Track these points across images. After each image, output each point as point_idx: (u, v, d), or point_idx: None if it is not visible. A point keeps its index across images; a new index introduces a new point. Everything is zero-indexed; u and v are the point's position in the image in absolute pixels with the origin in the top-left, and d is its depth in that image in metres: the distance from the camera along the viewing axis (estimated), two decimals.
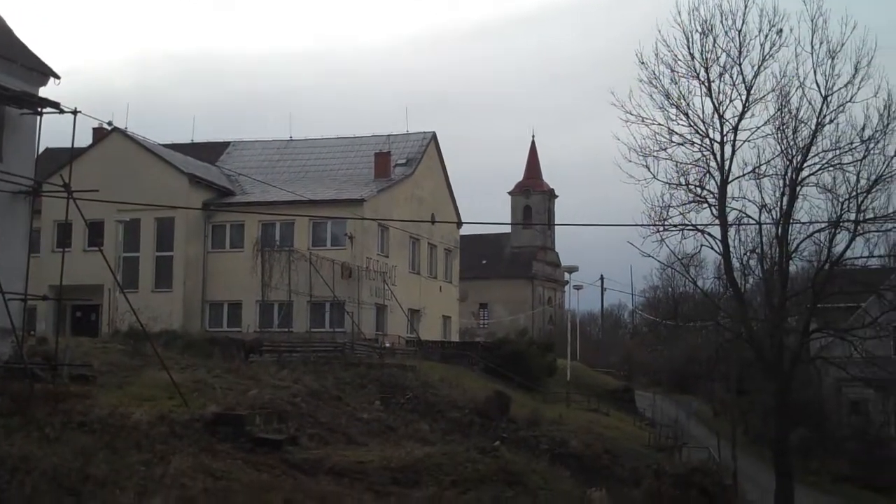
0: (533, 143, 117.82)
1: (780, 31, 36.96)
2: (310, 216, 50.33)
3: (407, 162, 58.09)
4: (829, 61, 36.28)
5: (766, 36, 36.91)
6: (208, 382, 27.25)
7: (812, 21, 36.35)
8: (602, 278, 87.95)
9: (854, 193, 36.64)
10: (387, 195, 54.52)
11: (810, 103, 36.79)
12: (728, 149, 37.66)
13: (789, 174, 37.48)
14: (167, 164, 52.52)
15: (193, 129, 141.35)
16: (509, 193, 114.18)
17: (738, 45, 37.17)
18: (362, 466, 20.36)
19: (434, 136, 60.65)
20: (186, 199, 50.72)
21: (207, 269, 52.71)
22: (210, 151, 60.54)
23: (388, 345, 48.45)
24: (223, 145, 63.15)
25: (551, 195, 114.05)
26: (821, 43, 36.29)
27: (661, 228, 37.85)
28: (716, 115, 37.55)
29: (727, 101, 37.48)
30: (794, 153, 37.34)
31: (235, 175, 57.36)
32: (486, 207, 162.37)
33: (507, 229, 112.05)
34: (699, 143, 37.79)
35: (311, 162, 60.17)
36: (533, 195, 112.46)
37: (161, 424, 21.07)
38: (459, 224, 63.21)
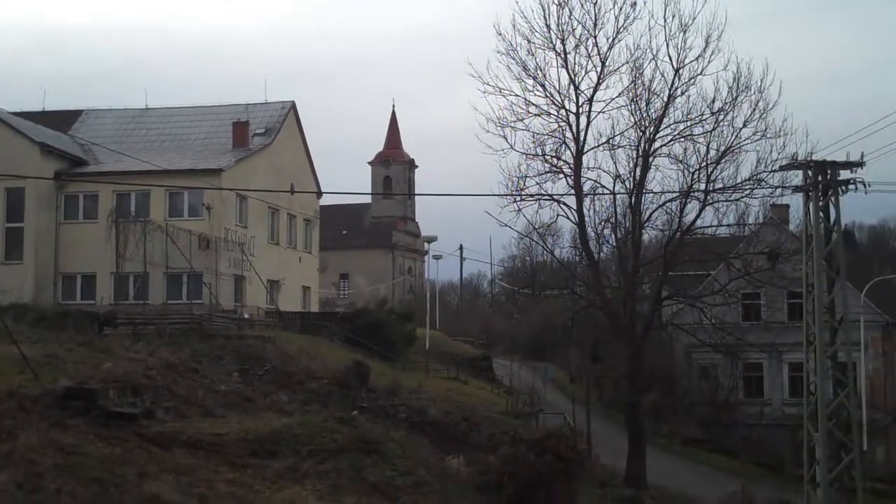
0: (393, 113, 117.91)
1: (634, 4, 37.77)
2: (166, 186, 49.37)
3: (266, 132, 57.39)
4: (681, 35, 37.26)
5: (621, 9, 37.69)
6: (60, 356, 26.62)
7: None
8: (461, 248, 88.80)
9: (704, 164, 37.73)
10: (245, 165, 53.82)
11: (663, 76, 37.74)
12: (583, 120, 38.39)
13: (642, 145, 38.37)
14: (16, 132, 50.76)
15: (45, 99, 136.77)
16: (369, 164, 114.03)
17: (593, 18, 37.86)
18: (219, 439, 20.20)
19: (293, 106, 60.04)
20: (38, 169, 49.17)
21: (60, 240, 51.28)
22: (62, 120, 58.68)
23: (246, 316, 47.96)
24: (75, 114, 61.28)
25: (411, 165, 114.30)
26: (673, 16, 37.25)
27: (519, 198, 38.43)
28: (572, 87, 38.20)
29: (583, 72, 38.16)
30: (646, 124, 38.27)
31: (89, 144, 55.82)
32: (346, 178, 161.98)
33: (368, 199, 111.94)
34: (555, 114, 38.41)
35: (167, 131, 58.93)
36: (393, 165, 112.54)
37: (9, 400, 20.52)
38: (319, 194, 62.79)
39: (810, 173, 28.71)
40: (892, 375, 60.03)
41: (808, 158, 29.33)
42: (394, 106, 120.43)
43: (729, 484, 33.03)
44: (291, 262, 58.90)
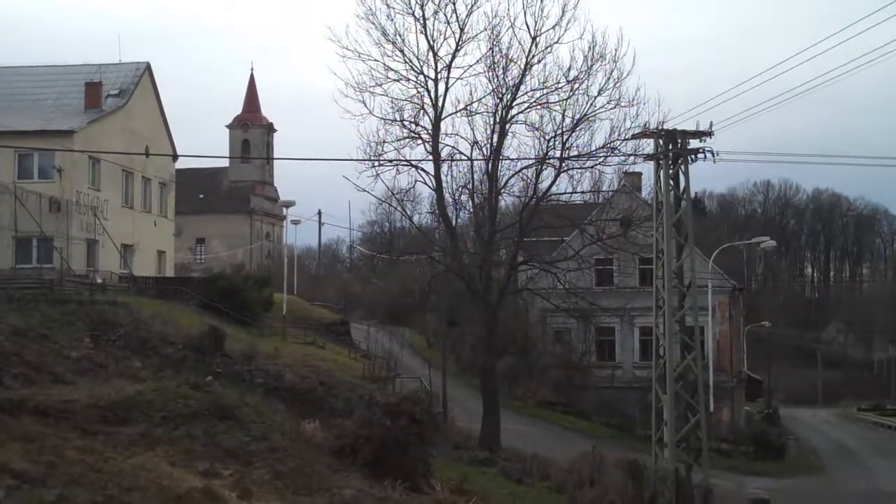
0: (251, 76, 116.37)
1: None
2: (15, 147, 47.80)
3: (119, 93, 55.99)
4: (539, 3, 37.54)
5: None
6: None
7: None
8: (320, 213, 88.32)
9: (559, 132, 38.19)
10: (98, 126, 52.46)
11: (520, 43, 37.99)
12: (442, 86, 38.43)
13: (499, 112, 38.63)
14: None
15: None
16: (227, 127, 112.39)
17: None
18: (69, 405, 19.74)
19: (148, 67, 58.71)
20: None
21: None
22: None
23: (99, 281, 46.90)
24: None
25: (270, 129, 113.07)
26: None
27: (377, 164, 38.35)
28: (430, 53, 38.17)
29: (441, 38, 38.13)
30: (504, 92, 38.49)
31: None
32: (204, 141, 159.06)
33: (226, 164, 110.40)
34: (414, 79, 38.36)
35: (17, 91, 56.88)
36: (251, 129, 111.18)
37: None
38: (175, 157, 61.63)
39: (661, 142, 29.46)
40: (738, 339, 62.24)
41: (660, 128, 30.08)
42: (252, 69, 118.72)
43: (581, 444, 33.80)
44: (146, 226, 57.80)
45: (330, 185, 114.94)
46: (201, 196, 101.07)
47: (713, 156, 28.89)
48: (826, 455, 57.26)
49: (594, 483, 25.86)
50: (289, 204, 68.59)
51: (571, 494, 25.78)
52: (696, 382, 29.33)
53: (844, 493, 40.49)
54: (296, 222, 76.27)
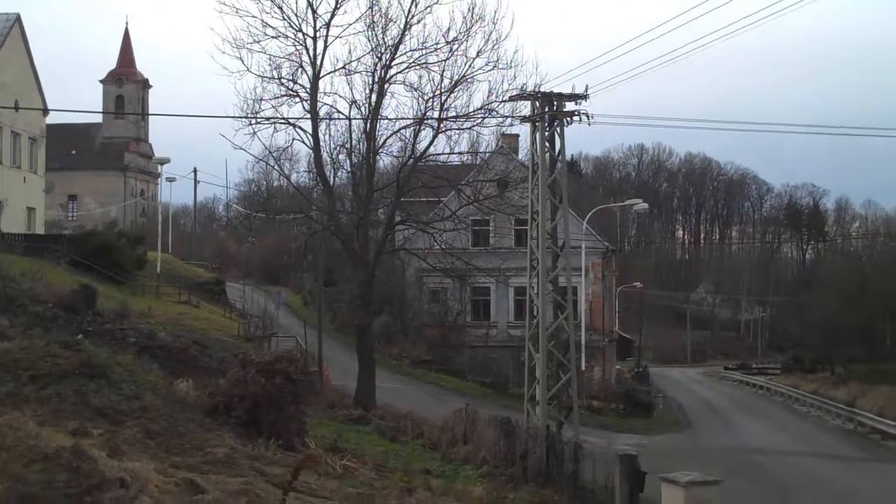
0: (126, 30, 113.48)
1: None
2: None
3: None
4: None
5: None
6: None
7: None
8: (195, 171, 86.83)
9: (438, 92, 38.29)
10: None
11: (399, 3, 37.90)
12: (320, 44, 38.17)
13: (378, 72, 38.55)
14: None
15: None
16: (101, 82, 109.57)
17: None
18: None
19: (18, 19, 57.03)
20: None
21: None
22: None
23: None
24: None
25: (145, 85, 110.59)
26: None
27: (254, 121, 37.96)
28: (309, 10, 37.86)
29: None
30: (383, 51, 38.39)
31: None
32: (77, 96, 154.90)
33: (99, 119, 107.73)
34: (293, 37, 38.01)
35: None
36: (126, 84, 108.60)
37: None
38: (46, 112, 60.05)
39: (537, 104, 29.77)
40: (610, 299, 63.48)
41: (536, 90, 30.36)
42: (127, 23, 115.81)
43: (455, 403, 34.10)
44: (15, 181, 56.32)
45: (207, 144, 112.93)
46: (73, 152, 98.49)
47: (588, 118, 29.30)
48: (693, 412, 58.94)
49: (467, 440, 26.20)
50: (163, 161, 67.51)
51: (445, 452, 26.08)
52: (568, 341, 29.88)
53: (710, 448, 41.76)
54: (171, 180, 75.23)
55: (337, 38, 38.46)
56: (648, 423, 51.76)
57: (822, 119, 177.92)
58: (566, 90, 29.61)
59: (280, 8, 37.66)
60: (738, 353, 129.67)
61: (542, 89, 30.33)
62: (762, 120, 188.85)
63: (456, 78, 38.02)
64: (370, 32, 38.30)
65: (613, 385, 59.85)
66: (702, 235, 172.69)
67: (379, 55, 38.35)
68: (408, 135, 39.82)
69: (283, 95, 38.33)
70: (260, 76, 37.85)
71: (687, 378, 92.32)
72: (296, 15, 37.71)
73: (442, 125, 38.92)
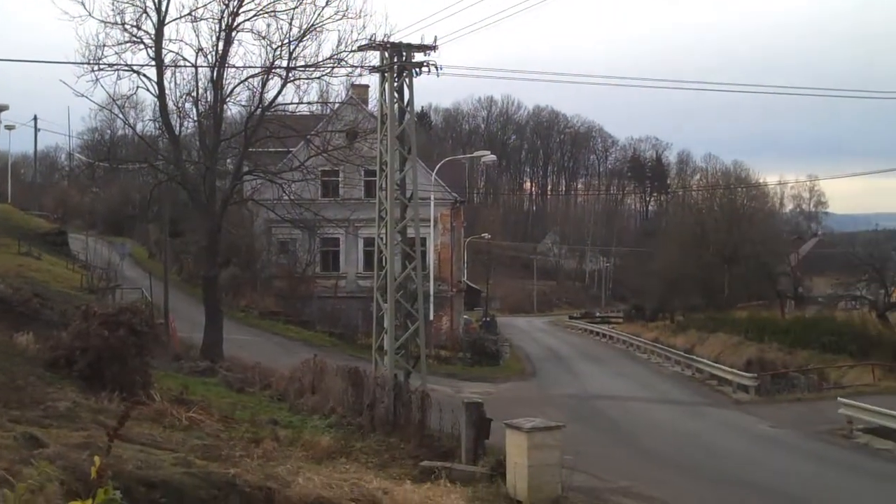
0: None
1: None
2: None
3: None
4: None
5: None
6: None
7: None
8: (35, 119, 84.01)
9: (286, 41, 37.86)
10: None
11: None
12: None
13: (225, 19, 37.86)
14: None
15: None
16: None
17: None
18: None
19: None
20: None
21: None
22: None
23: None
24: None
25: None
26: None
27: (96, 68, 36.90)
28: None
29: None
30: None
31: None
32: None
33: None
34: None
35: None
36: None
37: None
38: None
39: (387, 55, 29.75)
40: (458, 250, 64.11)
41: (385, 40, 30.30)
42: None
43: (304, 353, 34.10)
44: None
45: (48, 91, 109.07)
46: None
47: (437, 70, 29.42)
48: (539, 360, 60.11)
49: (315, 391, 26.28)
50: (1, 108, 65.10)
51: (292, 402, 26.12)
52: (416, 292, 30.15)
53: (554, 395, 42.75)
54: (10, 127, 72.80)
55: None
56: (495, 371, 52.65)
57: (664, 73, 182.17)
58: (415, 41, 29.67)
59: None
60: (582, 302, 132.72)
61: (391, 40, 30.30)
62: (611, 73, 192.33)
63: (305, 26, 37.67)
64: None
65: (461, 335, 60.61)
66: (548, 187, 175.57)
67: (226, 2, 37.70)
68: (256, 84, 39.34)
69: (127, 42, 37.34)
70: (102, 21, 36.79)
71: (533, 327, 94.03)
72: None
73: (290, 74, 38.56)
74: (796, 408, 39.16)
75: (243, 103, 41.08)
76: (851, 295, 76.64)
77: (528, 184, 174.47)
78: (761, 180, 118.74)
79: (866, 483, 25.28)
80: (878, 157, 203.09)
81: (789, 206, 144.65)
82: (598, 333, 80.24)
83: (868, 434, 32.20)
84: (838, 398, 35.18)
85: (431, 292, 49.87)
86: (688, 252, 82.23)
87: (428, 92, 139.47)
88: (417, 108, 32.49)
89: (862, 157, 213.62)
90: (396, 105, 29.87)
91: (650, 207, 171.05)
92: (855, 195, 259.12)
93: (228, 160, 43.73)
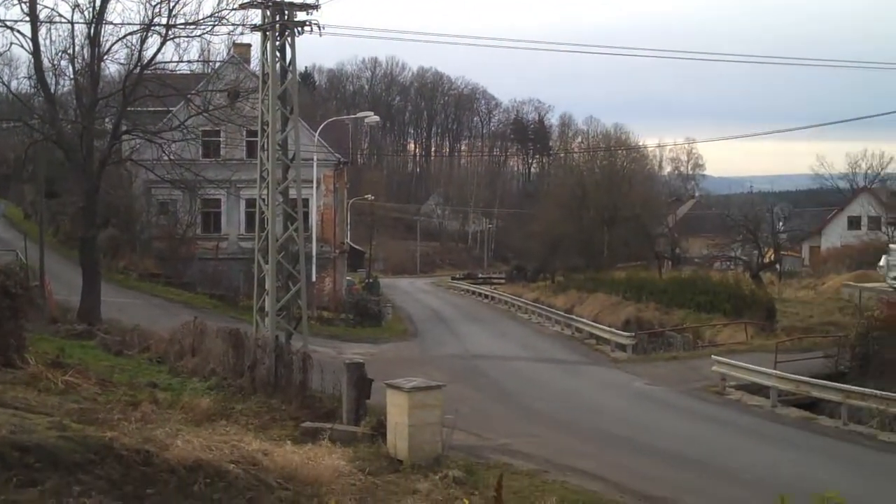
0: None
1: None
2: None
3: None
4: None
5: None
6: None
7: None
8: None
9: None
10: None
11: None
12: None
13: None
14: None
15: None
16: None
17: None
18: None
19: None
20: None
21: None
22: None
23: None
24: None
25: None
26: None
27: None
28: None
29: None
30: None
31: None
32: None
33: None
34: None
35: None
36: None
37: None
38: None
39: (268, 13, 29.40)
40: (342, 211, 63.92)
41: None
42: None
43: (184, 316, 33.76)
44: None
45: None
46: None
47: (319, 29, 29.21)
48: (421, 321, 60.42)
49: (195, 353, 26.13)
50: None
51: (172, 365, 25.95)
52: (298, 253, 30.05)
53: (436, 355, 43.13)
54: None
55: None
56: (378, 332, 52.78)
57: (545, 36, 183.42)
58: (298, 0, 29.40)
59: None
60: (465, 263, 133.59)
61: None
62: (494, 35, 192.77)
63: None
64: None
65: (344, 296, 60.57)
66: (432, 149, 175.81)
67: None
68: (134, 41, 38.63)
69: None
70: None
71: (416, 288, 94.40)
72: None
73: (170, 32, 37.97)
74: (672, 365, 40.17)
75: (122, 61, 40.35)
76: (726, 256, 78.73)
77: (413, 145, 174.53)
78: (641, 143, 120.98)
79: (738, 438, 26.13)
80: (755, 121, 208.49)
81: (668, 169, 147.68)
82: (480, 294, 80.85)
83: (740, 391, 33.28)
84: (712, 356, 36.23)
85: (314, 254, 49.71)
86: (568, 213, 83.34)
87: (311, 52, 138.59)
88: (301, 68, 32.43)
89: (740, 122, 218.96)
90: (278, 64, 29.59)
91: (532, 169, 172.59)
92: (731, 158, 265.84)
93: (106, 119, 42.81)
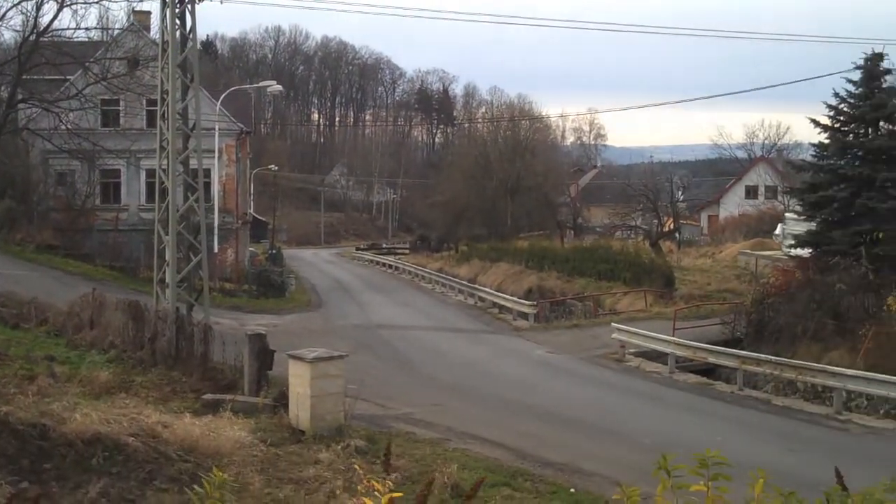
0: None
1: None
2: None
3: None
4: None
5: None
6: None
7: None
8: None
9: None
10: None
11: None
12: None
13: None
14: None
15: None
16: None
17: None
18: None
19: None
20: None
21: None
22: None
23: None
24: None
25: None
26: None
27: None
28: None
29: None
30: None
31: None
32: None
33: None
34: None
35: None
36: None
37: None
38: None
39: None
40: (244, 182, 63.40)
41: None
42: None
43: (83, 288, 33.22)
44: None
45: None
46: None
47: None
48: (325, 292, 60.31)
49: (94, 325, 25.78)
50: None
51: (70, 338, 25.58)
52: (199, 224, 29.78)
53: (339, 325, 43.15)
54: None
55: None
56: (281, 303, 52.58)
57: (448, 5, 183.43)
58: None
59: None
60: (370, 233, 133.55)
61: None
62: (399, 5, 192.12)
63: None
64: None
65: (247, 267, 60.17)
66: (337, 119, 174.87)
67: None
68: (30, 8, 37.92)
69: None
70: None
71: (320, 259, 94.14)
72: None
73: None
74: (573, 333, 40.76)
75: (17, 28, 39.56)
76: (627, 225, 79.86)
77: (317, 115, 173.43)
78: (544, 113, 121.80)
79: (637, 404, 26.69)
80: (658, 92, 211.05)
81: (571, 139, 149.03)
82: (384, 264, 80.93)
83: (639, 357, 33.94)
84: (612, 324, 36.86)
85: (216, 224, 49.28)
86: (472, 184, 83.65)
87: (213, 20, 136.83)
88: (202, 36, 31.91)
89: (643, 93, 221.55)
90: (178, 32, 29.18)
91: (437, 140, 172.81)
92: (634, 129, 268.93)
93: (1, 87, 41.88)
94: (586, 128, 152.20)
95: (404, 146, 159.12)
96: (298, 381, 18.08)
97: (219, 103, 54.50)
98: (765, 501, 4.04)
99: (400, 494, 3.56)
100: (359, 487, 10.46)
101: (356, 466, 13.25)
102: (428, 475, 15.69)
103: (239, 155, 60.29)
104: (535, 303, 48.08)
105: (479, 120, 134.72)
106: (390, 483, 3.59)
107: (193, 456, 12.86)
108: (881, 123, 39.86)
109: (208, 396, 19.45)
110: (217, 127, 52.30)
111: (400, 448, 18.05)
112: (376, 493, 3.44)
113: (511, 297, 49.97)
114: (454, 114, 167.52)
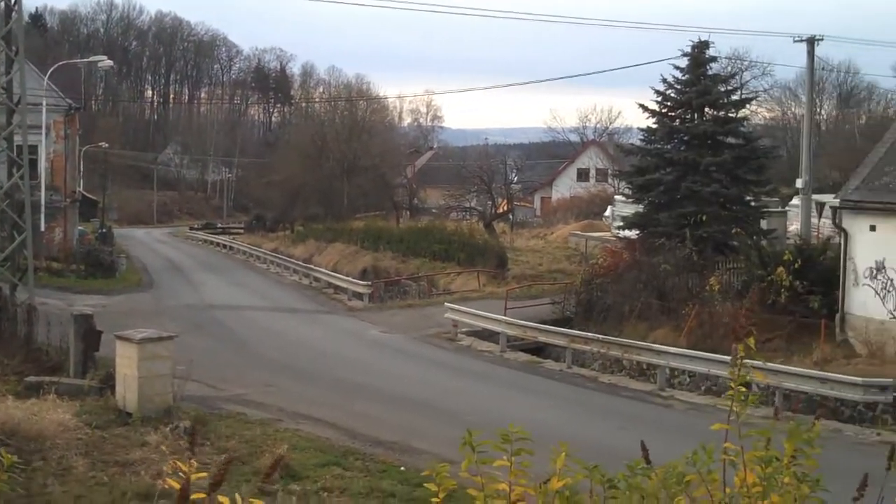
0: None
1: None
2: None
3: None
4: None
5: None
6: None
7: None
8: None
9: None
10: None
11: None
12: None
13: None
14: None
15: None
16: None
17: None
18: None
19: None
20: None
21: None
22: None
23: None
24: None
25: None
26: None
27: None
28: None
29: None
30: None
31: None
32: None
33: None
34: None
35: None
36: None
37: None
38: None
39: None
40: (73, 159, 61.67)
41: None
42: None
43: None
44: None
45: None
46: None
47: None
48: (157, 272, 59.25)
49: None
50: None
51: None
52: (24, 202, 28.94)
53: (171, 306, 42.48)
54: None
55: None
56: (111, 283, 51.37)
57: None
58: None
59: None
60: (204, 213, 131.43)
61: None
62: None
63: None
64: None
65: (75, 246, 58.56)
66: (171, 96, 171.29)
67: None
68: None
69: None
70: None
71: (152, 238, 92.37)
72: None
73: None
74: (407, 313, 41.11)
75: None
76: (462, 206, 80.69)
77: (150, 92, 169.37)
78: (382, 94, 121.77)
79: (468, 382, 27.14)
80: (494, 74, 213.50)
81: (408, 121, 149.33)
82: (218, 244, 79.92)
83: (471, 337, 34.48)
84: (445, 304, 37.32)
85: (43, 202, 47.74)
86: (309, 163, 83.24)
87: None
88: (31, 8, 30.83)
89: (482, 76, 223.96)
90: (3, 3, 28.24)
91: (273, 118, 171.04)
92: (471, 111, 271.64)
93: None
94: (423, 109, 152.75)
95: (240, 125, 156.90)
96: (126, 362, 17.84)
97: (46, 78, 52.82)
98: (566, 474, 4.26)
99: (204, 475, 3.64)
100: (164, 468, 10.46)
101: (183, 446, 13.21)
102: (256, 456, 15.75)
103: (68, 131, 58.57)
104: (370, 283, 48.30)
105: (317, 100, 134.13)
106: (195, 463, 3.66)
107: (15, 440, 12.62)
108: (706, 109, 41.39)
109: (32, 379, 19.01)
110: (45, 102, 50.63)
111: (230, 429, 18.01)
112: (180, 473, 3.51)
113: (346, 278, 50.04)
114: (291, 93, 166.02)
